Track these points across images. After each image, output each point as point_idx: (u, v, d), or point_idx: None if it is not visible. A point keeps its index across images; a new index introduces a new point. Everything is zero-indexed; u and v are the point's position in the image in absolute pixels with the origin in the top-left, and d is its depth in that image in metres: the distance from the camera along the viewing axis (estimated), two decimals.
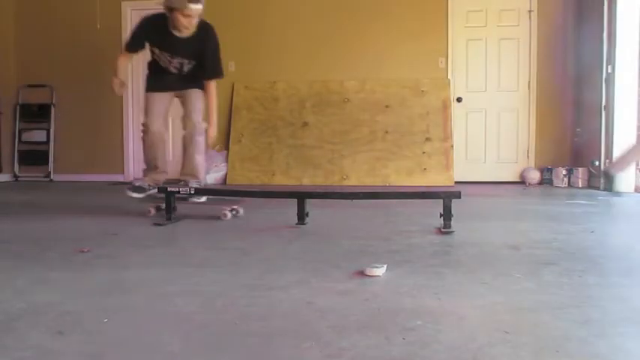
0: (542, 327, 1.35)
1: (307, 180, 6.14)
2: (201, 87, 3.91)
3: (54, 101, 6.89)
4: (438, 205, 2.82)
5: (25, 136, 6.96)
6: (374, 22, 6.37)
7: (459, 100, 6.33)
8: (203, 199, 3.76)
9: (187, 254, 2.32)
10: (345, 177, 6.10)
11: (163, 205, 3.22)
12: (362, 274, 1.87)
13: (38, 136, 6.92)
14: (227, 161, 6.37)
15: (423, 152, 6.06)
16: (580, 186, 5.68)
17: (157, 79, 3.91)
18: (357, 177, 6.09)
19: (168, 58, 3.79)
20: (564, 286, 1.75)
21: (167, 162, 4.04)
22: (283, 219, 3.18)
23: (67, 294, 1.66)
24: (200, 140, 3.83)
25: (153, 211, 3.32)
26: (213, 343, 1.26)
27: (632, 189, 5.19)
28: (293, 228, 2.91)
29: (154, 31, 3.74)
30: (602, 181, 5.30)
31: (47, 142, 6.90)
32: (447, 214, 2.79)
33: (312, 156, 6.22)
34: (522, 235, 2.75)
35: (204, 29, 3.74)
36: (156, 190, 3.64)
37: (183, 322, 1.42)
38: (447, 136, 6.08)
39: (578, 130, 6.08)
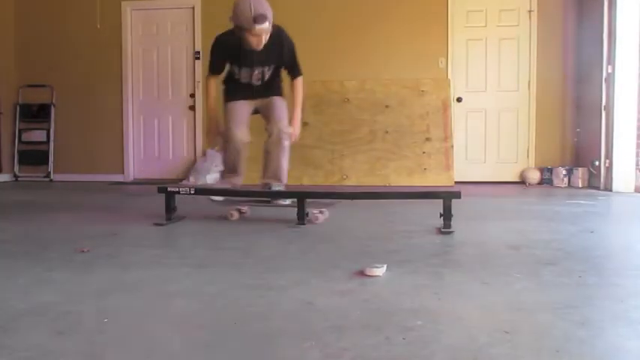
0: (542, 327, 1.35)
1: (307, 180, 6.14)
2: (282, 94, 4.02)
3: (54, 101, 6.89)
4: (438, 205, 2.82)
5: (25, 136, 6.95)
6: (374, 22, 6.37)
7: (459, 100, 6.33)
8: (288, 201, 3.69)
9: (187, 254, 2.32)
10: (345, 177, 6.10)
11: (244, 209, 3.28)
12: (362, 274, 1.87)
13: (38, 136, 6.92)
14: None
15: (423, 152, 6.06)
16: (580, 186, 5.68)
17: (239, 90, 3.88)
18: (357, 177, 6.09)
19: (249, 72, 3.78)
20: (564, 286, 1.75)
21: (245, 167, 3.98)
22: (283, 219, 3.18)
23: (67, 294, 1.66)
24: (286, 145, 3.87)
25: (235, 214, 3.23)
26: (214, 343, 1.26)
27: (632, 189, 5.19)
28: (293, 228, 2.91)
29: (230, 50, 3.70)
30: None
31: (47, 142, 6.90)
32: (447, 214, 2.79)
33: (312, 156, 6.22)
34: (522, 235, 2.75)
35: (277, 34, 3.66)
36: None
37: (183, 322, 1.42)
38: (447, 136, 6.08)
39: (578, 130, 6.08)
